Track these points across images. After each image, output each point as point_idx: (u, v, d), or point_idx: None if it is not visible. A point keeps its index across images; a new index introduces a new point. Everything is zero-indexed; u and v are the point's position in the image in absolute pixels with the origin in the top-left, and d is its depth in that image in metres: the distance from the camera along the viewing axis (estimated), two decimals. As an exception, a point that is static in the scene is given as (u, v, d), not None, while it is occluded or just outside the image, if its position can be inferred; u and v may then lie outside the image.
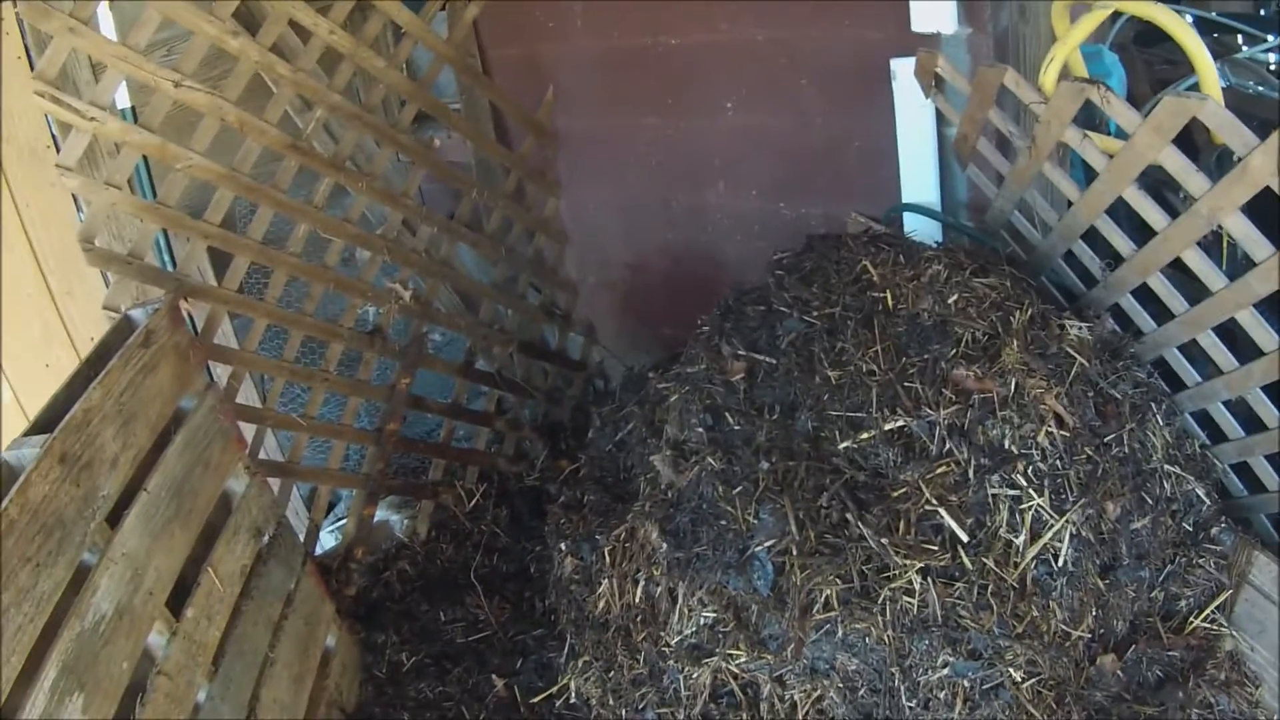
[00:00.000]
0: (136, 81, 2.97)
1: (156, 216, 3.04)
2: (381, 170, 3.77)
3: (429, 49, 3.84)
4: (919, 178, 3.43)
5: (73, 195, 3.40)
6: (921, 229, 3.41)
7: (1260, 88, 4.49)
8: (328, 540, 4.02)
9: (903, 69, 3.26)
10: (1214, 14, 4.95)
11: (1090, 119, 3.04)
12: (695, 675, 2.48)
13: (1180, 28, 2.84)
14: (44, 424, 2.18)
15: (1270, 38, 4.74)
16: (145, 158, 3.17)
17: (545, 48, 4.24)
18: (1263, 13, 5.46)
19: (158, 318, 2.61)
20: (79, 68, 3.30)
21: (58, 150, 3.33)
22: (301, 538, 3.32)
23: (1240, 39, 4.80)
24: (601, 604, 2.78)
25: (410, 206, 3.87)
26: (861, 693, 2.35)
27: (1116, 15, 3.61)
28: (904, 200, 3.48)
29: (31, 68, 3.23)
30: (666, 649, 2.55)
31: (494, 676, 3.25)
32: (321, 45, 3.40)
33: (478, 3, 3.94)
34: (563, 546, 2.95)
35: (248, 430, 3.16)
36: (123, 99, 3.31)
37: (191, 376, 2.72)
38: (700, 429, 2.74)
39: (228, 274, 3.30)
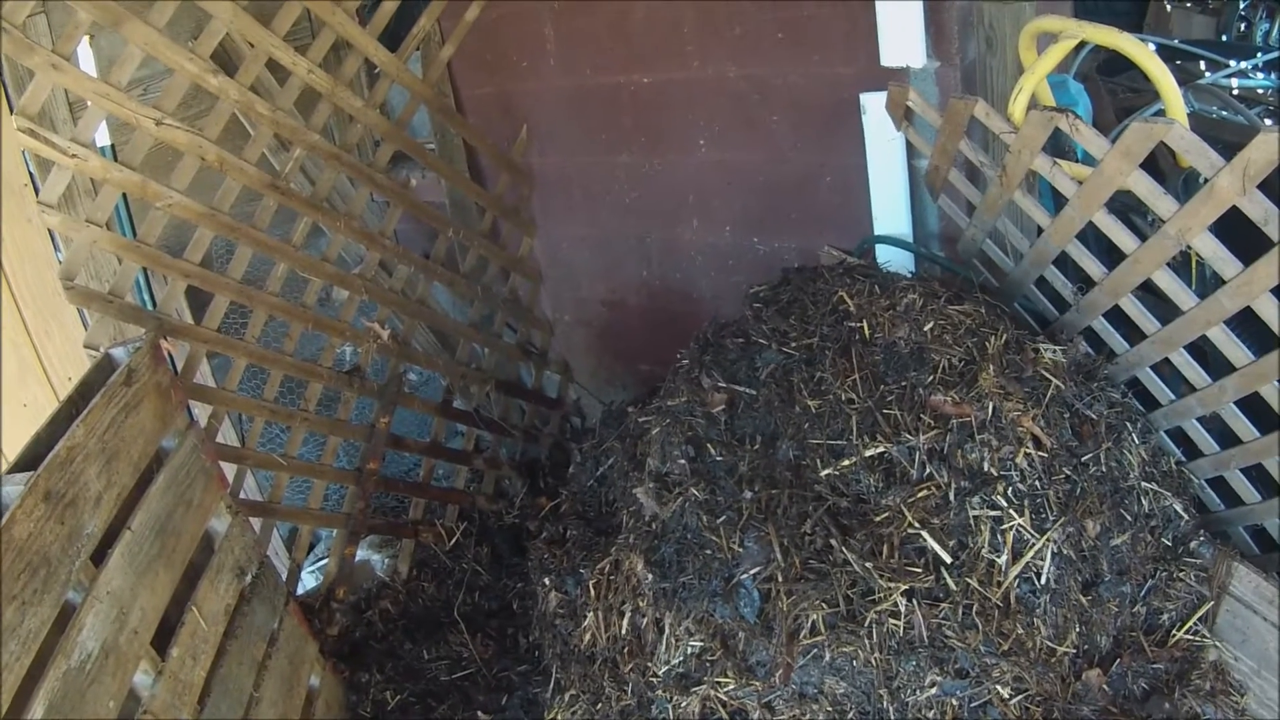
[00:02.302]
0: (116, 119, 2.99)
1: (137, 255, 3.06)
2: (359, 210, 3.80)
3: (405, 89, 3.87)
4: (891, 210, 3.48)
5: (50, 233, 3.39)
6: (895, 260, 3.44)
7: (1224, 112, 4.58)
8: (309, 580, 4.01)
9: (873, 103, 3.30)
10: (1177, 41, 5.05)
11: (1058, 147, 3.09)
12: (684, 704, 2.47)
13: (1145, 55, 2.89)
14: (26, 462, 2.17)
15: (1233, 63, 4.84)
16: (125, 196, 3.18)
17: (519, 86, 4.28)
18: (1225, 38, 5.58)
19: (139, 356, 2.60)
20: (56, 105, 3.31)
21: (35, 188, 3.32)
22: (284, 577, 3.31)
23: (1203, 65, 4.90)
24: (587, 637, 2.77)
25: (387, 246, 3.88)
26: (850, 716, 2.35)
27: (1081, 45, 3.67)
28: (876, 232, 3.52)
29: (8, 104, 3.23)
30: (654, 679, 2.55)
31: (479, 714, 3.23)
32: (300, 84, 3.43)
33: (452, 43, 3.98)
34: (546, 581, 2.95)
35: (228, 470, 3.16)
36: (102, 137, 3.33)
37: (173, 415, 2.71)
38: (683, 460, 2.75)
39: (208, 313, 3.31)
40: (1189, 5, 5.87)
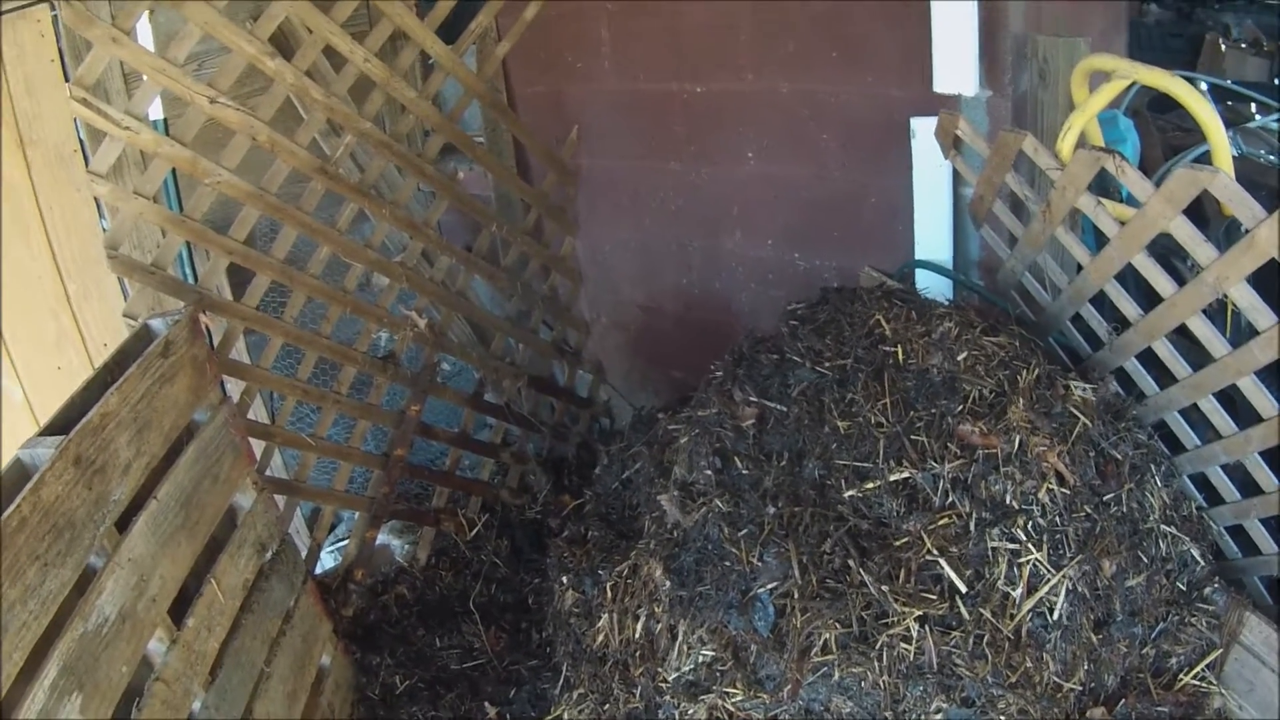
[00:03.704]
0: (170, 94, 3.03)
1: (182, 229, 3.10)
2: (405, 199, 3.83)
3: (460, 83, 3.90)
4: (933, 235, 3.49)
5: (95, 202, 3.45)
6: (934, 286, 3.45)
7: (1272, 157, 4.56)
8: (328, 560, 4.05)
9: (922, 128, 3.32)
10: (1229, 82, 5.03)
11: (1103, 185, 3.10)
12: (691, 712, 2.50)
13: (1195, 100, 2.89)
14: (59, 426, 2.21)
15: (1283, 108, 4.82)
16: (173, 171, 3.22)
17: (572, 88, 4.31)
18: (1277, 82, 5.55)
19: (178, 329, 2.64)
20: (111, 77, 3.35)
21: (85, 157, 3.37)
22: (303, 556, 3.34)
23: (1254, 107, 4.88)
24: (600, 638, 2.80)
25: (430, 236, 3.92)
26: (855, 736, 2.37)
27: (1132, 83, 3.67)
28: (917, 257, 3.53)
29: (64, 73, 3.28)
30: (664, 685, 2.58)
31: (487, 704, 3.26)
32: (355, 72, 3.46)
33: (509, 40, 4.01)
34: (565, 579, 2.97)
35: (257, 447, 3.20)
36: (155, 111, 3.37)
37: (207, 389, 2.75)
38: (709, 471, 2.78)
39: (248, 291, 3.34)
40: (1243, 47, 5.83)
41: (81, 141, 3.43)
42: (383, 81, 3.52)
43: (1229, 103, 5.01)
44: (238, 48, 3.08)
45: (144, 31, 3.29)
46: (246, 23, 3.14)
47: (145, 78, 2.94)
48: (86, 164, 2.91)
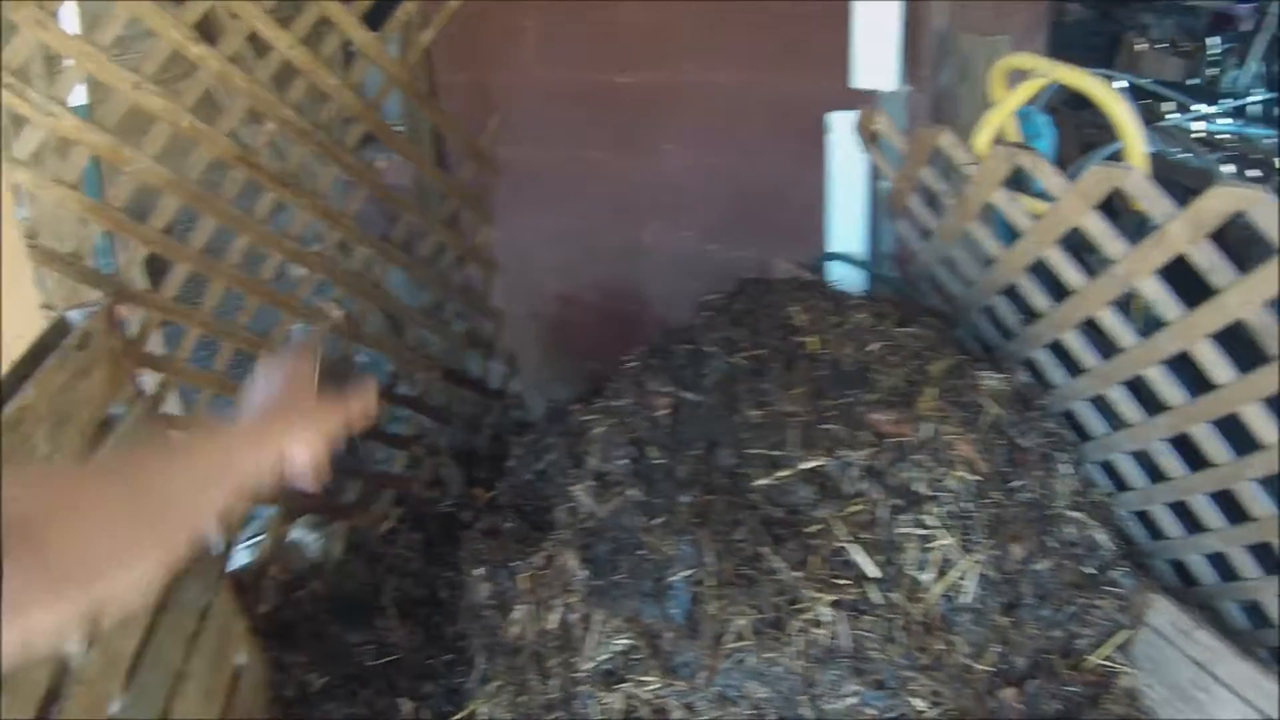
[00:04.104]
0: (93, 80, 2.98)
1: (103, 218, 3.04)
2: (324, 189, 3.80)
3: (382, 71, 3.87)
4: (848, 228, 3.52)
5: (11, 190, 3.37)
6: (848, 278, 3.49)
7: (1186, 154, 4.67)
8: (243, 557, 3.99)
9: (840, 122, 3.35)
10: (1146, 80, 5.13)
11: (1018, 179, 3.15)
12: (607, 700, 2.49)
13: (1109, 98, 2.95)
14: (-26, 421, 2.16)
15: (1199, 106, 4.93)
16: (94, 158, 3.16)
17: (497, 77, 4.30)
18: (1195, 82, 5.67)
19: (95, 321, 2.58)
20: (34, 60, 3.29)
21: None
22: (218, 553, 3.30)
23: (1171, 105, 4.98)
24: (515, 629, 2.79)
25: (349, 227, 3.89)
26: (769, 719, 2.39)
27: (1050, 81, 3.73)
28: (833, 249, 3.57)
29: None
30: (580, 674, 2.57)
31: (403, 700, 3.25)
32: (279, 59, 3.42)
33: (434, 28, 3.98)
34: (478, 571, 2.95)
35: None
36: (78, 96, 3.31)
37: (123, 383, 2.70)
38: (623, 461, 2.78)
39: (165, 282, 3.29)
40: (1160, 46, 5.95)
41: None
42: (306, 69, 3.49)
43: (1146, 101, 5.12)
44: (164, 33, 3.03)
45: (69, 14, 3.24)
46: (171, 7, 3.09)
47: (69, 62, 2.89)
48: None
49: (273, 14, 3.34)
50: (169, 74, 3.36)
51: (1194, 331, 2.36)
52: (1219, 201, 2.15)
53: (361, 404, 1.67)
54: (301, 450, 1.48)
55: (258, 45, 3.47)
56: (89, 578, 1.00)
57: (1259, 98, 5.22)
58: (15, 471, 1.02)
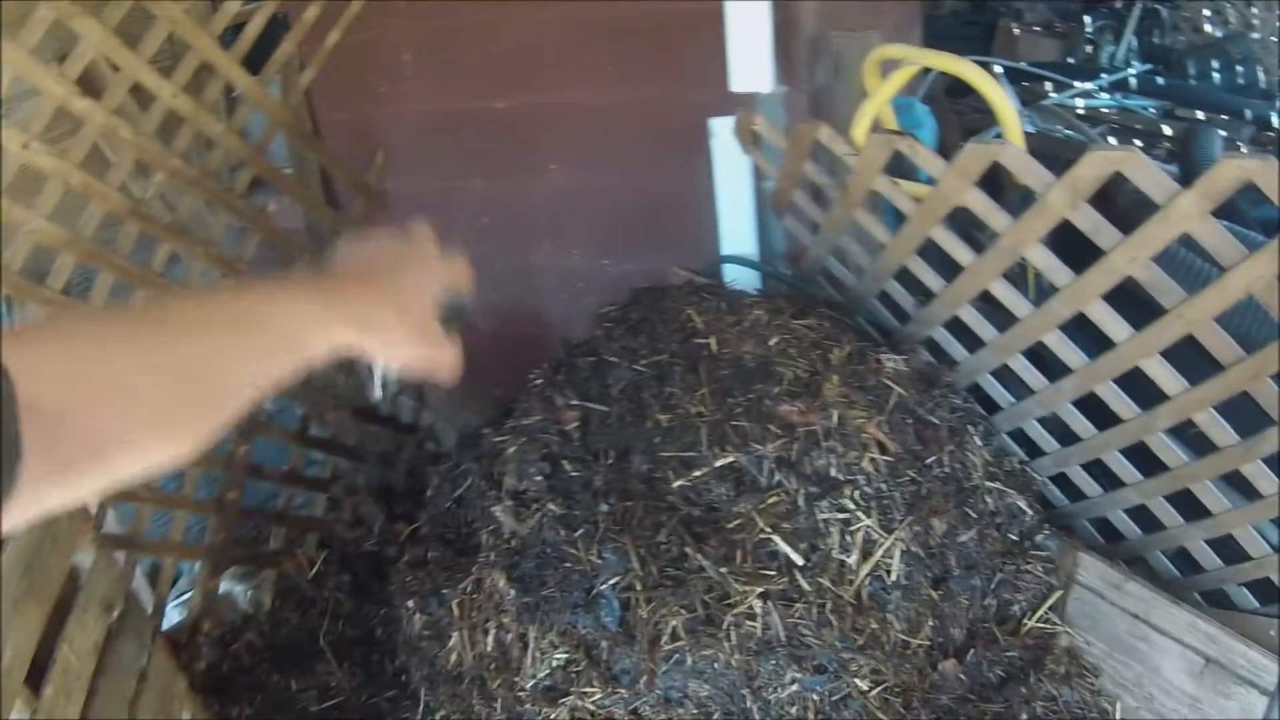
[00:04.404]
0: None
1: (2, 282, 2.99)
2: (218, 236, 3.76)
3: (265, 113, 3.85)
4: (738, 230, 3.56)
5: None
6: (742, 279, 3.53)
7: (1069, 131, 4.80)
8: (174, 615, 3.94)
9: (721, 127, 3.39)
10: (1023, 64, 5.27)
11: (902, 168, 3.22)
12: (553, 716, 2.50)
13: (982, 80, 3.02)
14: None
15: (1077, 84, 5.07)
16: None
17: (377, 111, 4.28)
18: (1071, 61, 5.84)
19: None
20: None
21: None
22: (149, 612, 3.26)
23: (1049, 86, 5.12)
24: (454, 657, 2.78)
25: (244, 273, 3.86)
26: (716, 716, 2.40)
27: (927, 69, 3.81)
28: (724, 252, 3.61)
29: None
30: (523, 693, 2.57)
31: (352, 742, 3.22)
32: (164, 109, 3.39)
33: (312, 67, 3.97)
34: (410, 604, 2.94)
35: (91, 504, 3.10)
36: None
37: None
38: (539, 477, 2.79)
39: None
40: (1036, 29, 6.12)
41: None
42: (190, 117, 3.46)
43: (1025, 83, 5.25)
44: (47, 89, 2.99)
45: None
46: (53, 63, 3.04)
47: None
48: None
49: (154, 63, 3.31)
50: (54, 132, 3.32)
51: (1086, 294, 2.43)
52: (1093, 165, 2.22)
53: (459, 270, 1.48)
54: (400, 334, 1.30)
55: (142, 97, 3.43)
56: (102, 459, 0.88)
57: (1136, 70, 5.39)
58: (26, 333, 0.89)
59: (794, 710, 2.40)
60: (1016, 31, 6.06)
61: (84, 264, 3.25)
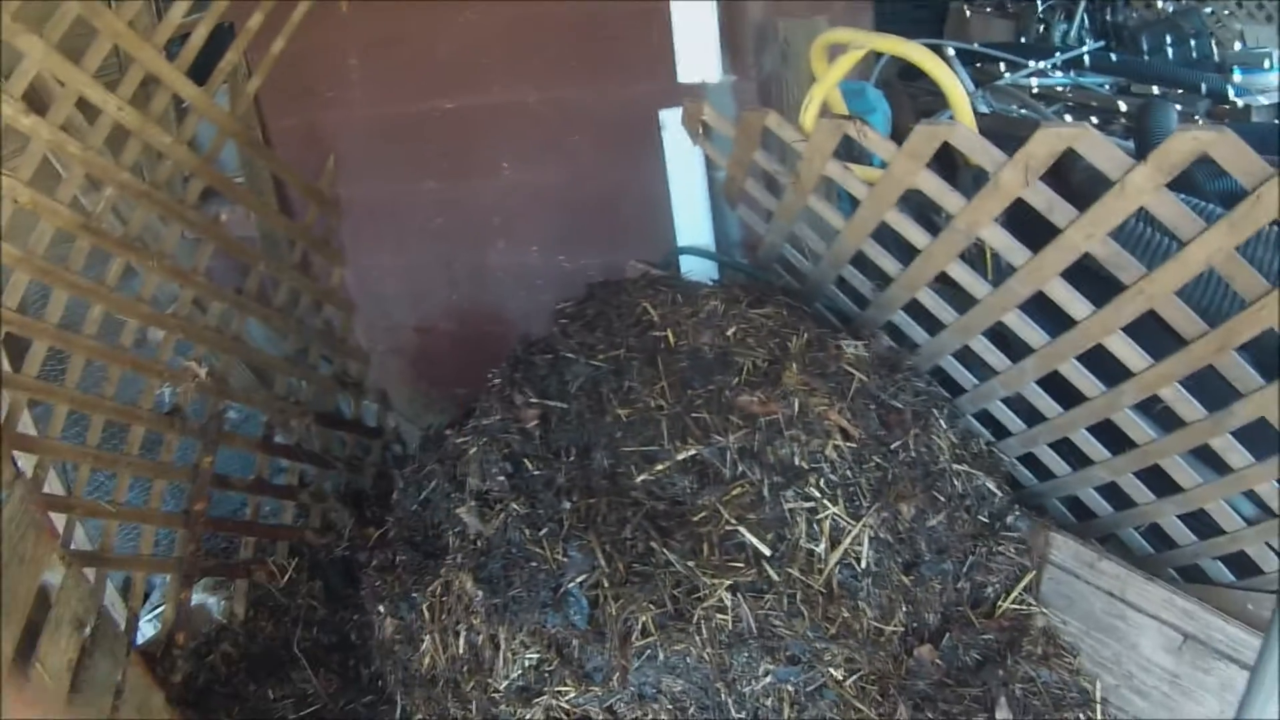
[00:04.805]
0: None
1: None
2: (171, 248, 3.73)
3: (213, 123, 3.81)
4: (692, 221, 3.56)
5: None
6: (699, 270, 3.53)
7: (1023, 110, 4.81)
8: (147, 629, 3.92)
9: (671, 119, 3.37)
10: (975, 45, 5.28)
11: (854, 152, 3.22)
12: (528, 716, 2.49)
13: (930, 62, 3.02)
14: None
15: (1030, 63, 5.09)
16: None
17: (325, 116, 4.27)
18: (1024, 40, 5.85)
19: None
20: None
21: None
22: (122, 628, 3.22)
23: (1004, 66, 5.13)
24: (427, 660, 2.77)
25: (200, 283, 3.82)
26: (691, 711, 2.40)
27: (878, 54, 3.81)
28: (680, 244, 3.60)
29: None
30: (496, 694, 2.56)
31: (331, 749, 3.20)
32: (110, 122, 3.36)
33: (259, 75, 3.93)
34: (381, 608, 2.92)
35: (58, 520, 3.09)
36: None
37: (-1, 468, 2.65)
38: (501, 477, 2.78)
39: (26, 360, 3.21)
40: (987, 10, 6.13)
41: None
42: (137, 129, 3.42)
43: (979, 65, 5.26)
44: (-10, 107, 2.96)
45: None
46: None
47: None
48: None
49: (100, 76, 3.27)
50: (5, 149, 3.28)
51: (1044, 272, 2.44)
52: (1045, 141, 2.22)
53: None
54: None
55: (88, 111, 3.39)
56: None
57: (1089, 48, 5.41)
58: None
59: (769, 702, 2.40)
60: (968, 13, 6.07)
61: (37, 281, 3.21)
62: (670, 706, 2.41)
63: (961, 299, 2.75)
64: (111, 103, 3.33)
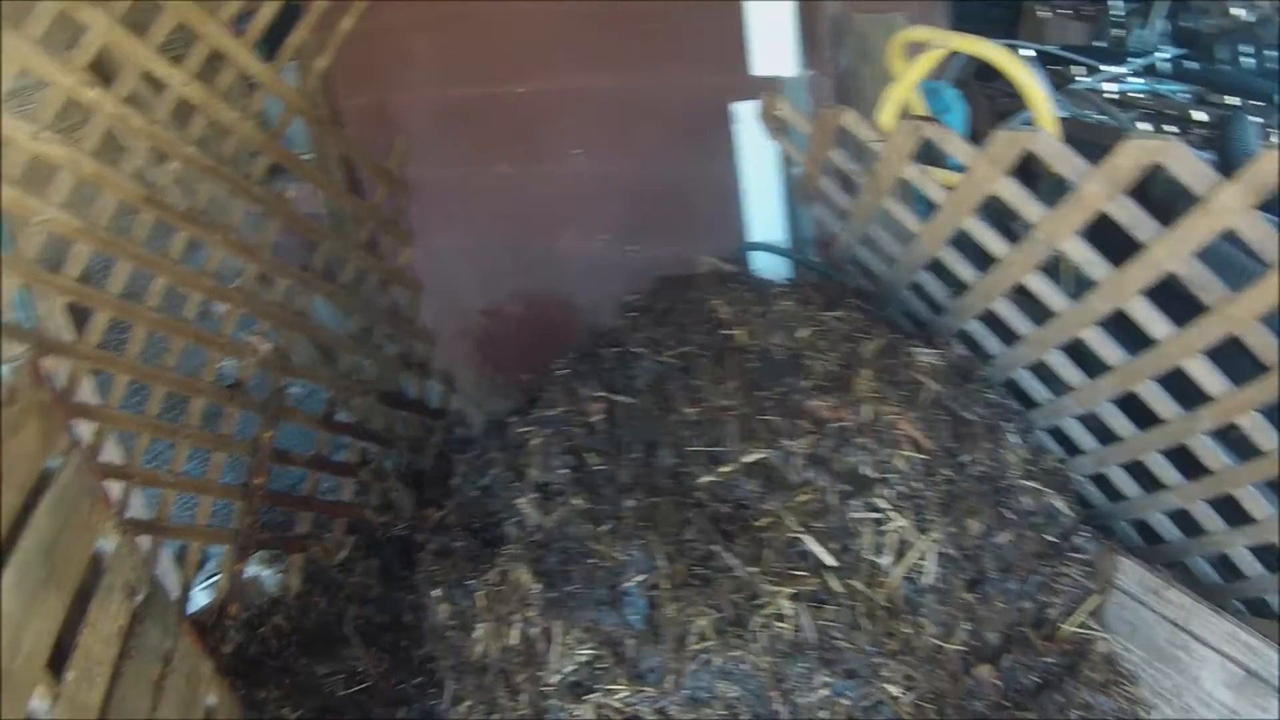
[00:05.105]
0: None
1: (16, 271, 2.96)
2: (236, 223, 3.73)
3: (281, 100, 3.80)
4: (766, 217, 3.52)
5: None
6: (771, 267, 3.49)
7: (1100, 116, 4.71)
8: (201, 598, 3.93)
9: (744, 112, 3.34)
10: (1052, 47, 5.18)
11: (932, 154, 3.16)
12: (578, 713, 2.47)
13: (1011, 63, 2.96)
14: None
15: (1107, 68, 4.98)
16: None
17: (396, 97, 4.25)
18: (1101, 44, 5.74)
19: (19, 376, 2.52)
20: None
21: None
22: (175, 596, 3.25)
23: (1079, 70, 5.02)
24: (479, 648, 2.76)
25: (265, 259, 3.82)
26: (743, 718, 2.37)
27: (955, 53, 3.74)
28: (752, 239, 3.55)
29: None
30: (547, 688, 2.54)
31: (377, 726, 3.20)
32: (175, 97, 3.35)
33: (328, 53, 3.91)
34: (436, 593, 2.92)
35: (114, 489, 3.11)
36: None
37: (56, 435, 2.63)
38: (563, 470, 2.77)
39: (88, 329, 3.22)
40: (1063, 12, 6.01)
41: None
42: (202, 104, 3.42)
43: (1054, 67, 5.16)
44: (55, 80, 2.95)
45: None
46: (63, 53, 3.00)
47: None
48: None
49: (166, 51, 3.26)
50: (68, 122, 3.28)
51: (1125, 289, 2.37)
52: (1131, 154, 2.16)
53: None
54: None
55: (156, 84, 3.39)
56: None
57: (1166, 54, 5.30)
58: None
59: (824, 715, 2.37)
60: (1043, 14, 5.96)
61: (100, 253, 3.22)
62: (723, 712, 2.38)
63: (1038, 310, 2.69)
64: (176, 77, 3.32)
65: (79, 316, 3.38)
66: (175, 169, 3.43)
